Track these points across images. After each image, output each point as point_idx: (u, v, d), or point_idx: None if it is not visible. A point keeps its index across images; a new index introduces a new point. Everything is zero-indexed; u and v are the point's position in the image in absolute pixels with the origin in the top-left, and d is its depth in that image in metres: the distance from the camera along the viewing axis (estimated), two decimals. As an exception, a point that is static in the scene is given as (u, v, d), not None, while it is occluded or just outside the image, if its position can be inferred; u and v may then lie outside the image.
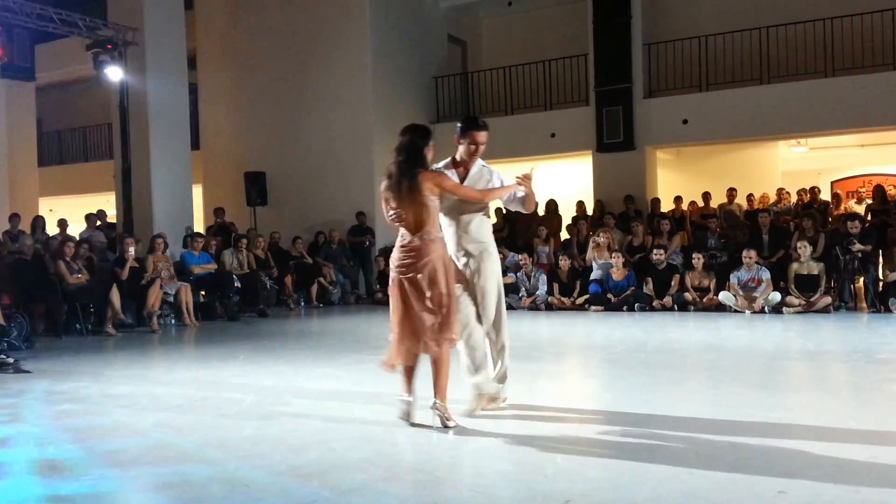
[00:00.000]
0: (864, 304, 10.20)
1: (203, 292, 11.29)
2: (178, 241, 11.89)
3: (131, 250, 10.07)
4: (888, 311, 9.71)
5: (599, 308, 10.72)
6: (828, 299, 9.87)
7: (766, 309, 9.91)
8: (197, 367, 6.75)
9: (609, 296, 10.80)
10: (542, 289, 11.29)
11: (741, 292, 10.09)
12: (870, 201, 13.34)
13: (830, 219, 12.51)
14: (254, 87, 15.42)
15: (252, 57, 15.44)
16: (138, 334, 9.53)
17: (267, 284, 12.18)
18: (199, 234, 12.02)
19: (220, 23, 15.83)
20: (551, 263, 12.10)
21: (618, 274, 10.92)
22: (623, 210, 13.46)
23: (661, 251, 10.91)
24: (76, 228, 12.68)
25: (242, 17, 15.56)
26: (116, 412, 4.89)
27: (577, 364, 7.00)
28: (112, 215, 13.95)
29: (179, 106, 12.98)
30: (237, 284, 11.26)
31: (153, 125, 12.45)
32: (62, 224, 12.25)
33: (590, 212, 13.96)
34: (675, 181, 15.44)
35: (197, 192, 14.73)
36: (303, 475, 3.41)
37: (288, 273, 12.58)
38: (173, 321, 10.52)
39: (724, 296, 10.20)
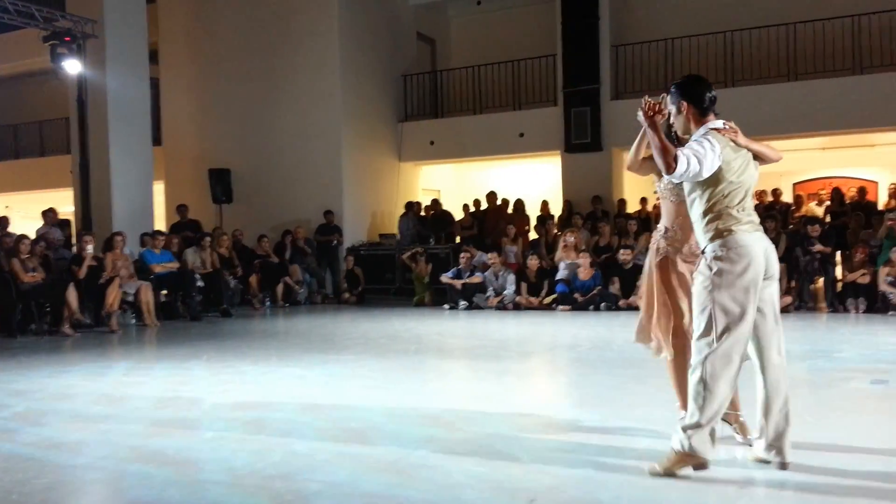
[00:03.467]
0: (824, 304, 10.41)
1: (164, 291, 11.07)
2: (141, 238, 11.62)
3: (89, 248, 9.84)
4: (846, 310, 9.92)
5: (566, 308, 10.75)
6: (788, 299, 10.02)
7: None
8: (158, 368, 6.62)
9: (576, 295, 10.84)
10: (511, 288, 11.29)
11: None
12: (829, 203, 13.61)
13: (791, 220, 12.72)
14: (218, 82, 15.18)
15: (216, 51, 15.19)
16: (97, 335, 9.31)
17: (231, 284, 12.01)
18: (160, 232, 11.79)
19: (183, 15, 15.56)
20: (519, 263, 12.12)
21: (585, 274, 10.97)
22: (591, 210, 13.54)
23: (628, 251, 11.00)
24: (27, 226, 12.33)
25: (206, 10, 15.31)
26: (72, 415, 4.76)
27: (544, 363, 7.00)
28: (69, 212, 13.64)
29: (140, 100, 12.71)
30: (200, 283, 11.07)
31: (112, 120, 12.17)
32: (2, 221, 11.71)
33: (555, 211, 14.02)
34: (641, 182, 15.51)
35: (159, 188, 14.48)
36: (265, 477, 3.34)
37: (253, 272, 12.41)
38: (133, 321, 10.31)
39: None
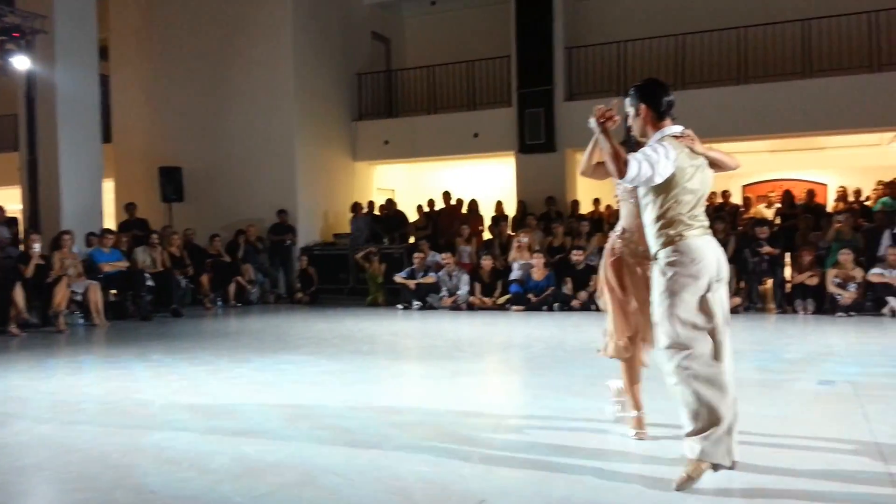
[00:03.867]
0: (772, 305, 10.58)
1: (114, 291, 10.88)
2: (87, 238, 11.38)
3: (36, 247, 9.61)
4: (795, 311, 10.08)
5: (520, 308, 10.82)
6: (737, 300, 10.21)
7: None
8: (105, 369, 6.49)
9: (529, 296, 10.92)
10: (464, 289, 11.33)
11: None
12: (779, 205, 13.91)
13: (740, 222, 12.96)
14: (170, 79, 14.93)
15: (168, 48, 14.94)
16: (44, 334, 9.08)
17: (182, 283, 11.84)
18: (109, 231, 11.57)
19: (135, 11, 15.28)
20: (473, 263, 12.16)
21: (538, 274, 11.05)
22: (544, 211, 13.64)
23: (580, 252, 11.12)
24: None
25: (158, 6, 15.05)
26: (18, 416, 4.65)
27: (497, 363, 7.04)
28: (18, 210, 13.28)
29: (90, 97, 12.43)
30: (150, 283, 10.88)
31: (62, 117, 11.89)
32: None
33: (509, 212, 14.10)
34: (595, 183, 15.59)
35: (108, 187, 14.19)
36: (213, 480, 3.30)
37: (205, 272, 12.25)
38: (82, 321, 10.10)
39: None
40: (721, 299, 3.33)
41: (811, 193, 13.79)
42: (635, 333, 3.87)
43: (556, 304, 10.73)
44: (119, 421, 4.47)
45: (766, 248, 10.58)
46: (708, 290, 3.24)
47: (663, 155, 3.23)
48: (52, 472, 3.51)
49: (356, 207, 14.34)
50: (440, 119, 15.17)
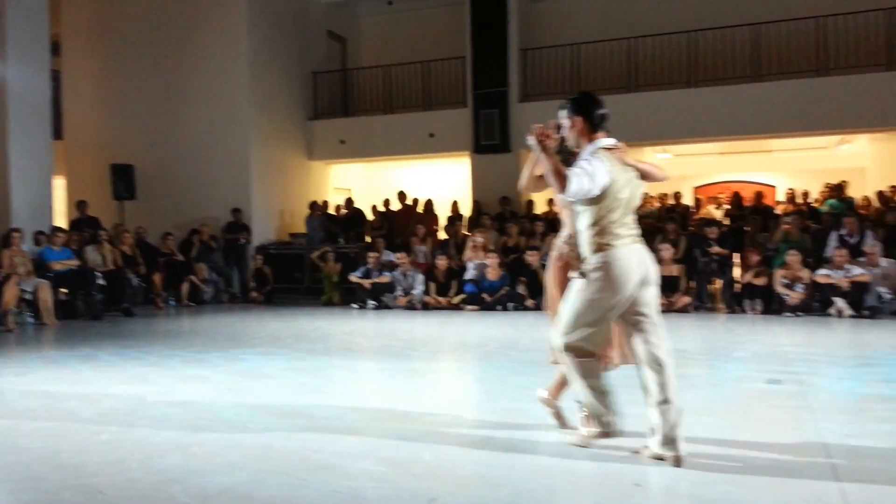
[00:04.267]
0: (722, 305, 10.74)
1: (64, 290, 10.67)
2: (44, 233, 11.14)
3: (-16, 245, 9.40)
4: (743, 311, 10.25)
5: (475, 307, 10.90)
6: (687, 299, 10.40)
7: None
8: (54, 369, 6.38)
9: (484, 295, 11.00)
10: (419, 288, 11.38)
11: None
12: (728, 207, 14.22)
13: (691, 222, 13.21)
14: (122, 75, 14.69)
15: (121, 44, 14.69)
16: (-10, 334, 8.91)
17: (134, 282, 11.67)
18: (59, 229, 11.35)
19: (87, 6, 14.99)
20: (428, 263, 12.21)
21: (493, 274, 11.14)
22: (499, 211, 13.74)
23: (535, 252, 11.23)
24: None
25: (111, 2, 14.80)
26: (-41, 419, 4.56)
27: (451, 362, 7.09)
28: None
29: (40, 93, 12.15)
30: (101, 282, 10.71)
31: (11, 113, 11.61)
32: None
33: (464, 212, 14.17)
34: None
35: (59, 184, 13.90)
36: (162, 481, 3.29)
37: (157, 270, 12.09)
38: (31, 320, 9.89)
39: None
40: (651, 300, 3.58)
41: (759, 195, 14.10)
42: None
43: (510, 304, 10.84)
44: (66, 421, 4.41)
45: (716, 249, 10.79)
46: (621, 297, 3.49)
47: (599, 167, 3.42)
48: (-3, 474, 3.47)
49: (314, 206, 14.29)
50: (396, 119, 15.18)
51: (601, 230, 3.51)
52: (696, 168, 17.80)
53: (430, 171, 16.32)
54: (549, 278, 4.09)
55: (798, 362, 6.36)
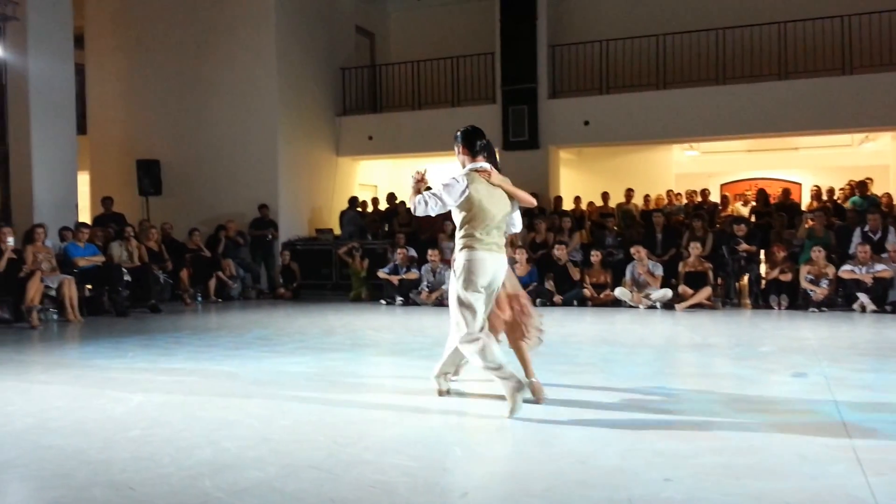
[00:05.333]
0: (748, 301, 10.78)
1: (89, 286, 10.70)
2: (69, 229, 11.19)
3: (9, 240, 9.42)
4: (769, 307, 10.29)
5: (501, 304, 10.81)
6: (709, 290, 10.33)
7: (657, 305, 10.30)
8: (80, 366, 6.39)
9: (511, 292, 10.92)
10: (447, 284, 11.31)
11: (635, 288, 10.49)
12: (754, 203, 14.08)
13: (718, 220, 13.10)
14: (148, 69, 14.73)
15: (146, 38, 14.72)
16: (16, 330, 8.91)
17: (160, 278, 11.70)
18: (84, 225, 11.39)
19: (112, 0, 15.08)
20: (455, 259, 12.13)
21: (521, 269, 11.05)
22: (527, 207, 13.63)
23: (563, 247, 11.16)
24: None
25: (136, -6, 14.87)
26: (-11, 412, 4.56)
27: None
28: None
29: (64, 87, 12.19)
30: (127, 278, 10.73)
31: (35, 107, 11.65)
32: None
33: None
34: (576, 180, 15.81)
35: (83, 180, 13.98)
36: (193, 475, 3.25)
37: (184, 266, 12.11)
38: (56, 316, 9.93)
39: (619, 291, 10.58)
40: (487, 301, 4.53)
41: (786, 192, 13.99)
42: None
43: (538, 300, 10.75)
44: (95, 417, 4.40)
45: (744, 246, 10.74)
46: (482, 289, 4.41)
47: (453, 185, 4.43)
48: (26, 470, 3.44)
49: (354, 202, 14.37)
50: (424, 115, 15.14)
51: (467, 234, 4.44)
52: (723, 165, 17.66)
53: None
54: (508, 280, 4.91)
55: (823, 356, 6.38)
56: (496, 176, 4.56)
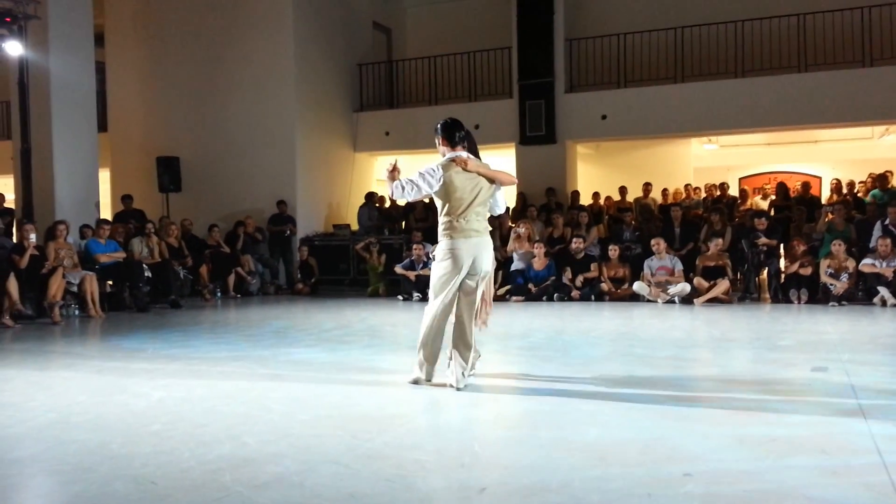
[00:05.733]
0: (768, 295, 10.69)
1: (110, 282, 10.82)
2: (90, 226, 11.31)
3: (32, 237, 9.54)
4: (789, 301, 10.20)
5: (520, 298, 10.82)
6: (727, 284, 10.27)
7: (676, 300, 10.26)
8: (101, 361, 6.45)
9: (530, 285, 10.93)
10: (464, 280, 11.31)
11: (653, 282, 10.45)
12: (774, 197, 13.96)
13: (737, 213, 13.01)
14: (167, 67, 14.85)
15: (166, 35, 14.84)
16: (39, 326, 9.04)
17: (180, 274, 11.79)
18: (105, 221, 11.51)
19: (132, -3, 15.18)
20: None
21: (539, 263, 11.07)
22: (545, 202, 13.63)
23: (581, 239, 11.15)
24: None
25: (155, -7, 14.96)
26: (12, 407, 4.62)
27: (496, 353, 7.00)
28: (11, 200, 13.21)
29: (85, 85, 12.31)
30: (147, 274, 10.84)
31: (56, 105, 11.78)
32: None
33: (509, 203, 14.05)
34: (594, 174, 15.75)
35: (104, 177, 14.11)
36: (213, 470, 3.28)
37: (203, 262, 12.20)
38: (77, 312, 10.06)
39: (637, 286, 10.53)
40: (474, 287, 4.90)
41: (806, 186, 13.86)
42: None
43: (555, 295, 10.75)
44: (116, 412, 4.44)
45: (764, 240, 10.67)
46: (456, 275, 4.78)
47: (428, 174, 4.73)
48: (48, 464, 3.48)
49: (371, 197, 14.39)
50: (441, 110, 15.05)
51: (448, 221, 4.76)
52: (742, 159, 17.53)
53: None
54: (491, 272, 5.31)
55: (843, 350, 6.33)
56: (473, 163, 4.81)
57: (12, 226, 11.50)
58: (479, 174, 4.81)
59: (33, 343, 7.66)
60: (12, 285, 8.95)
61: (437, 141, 4.93)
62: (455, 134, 4.85)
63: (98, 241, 10.79)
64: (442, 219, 4.81)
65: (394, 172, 4.76)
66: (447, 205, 4.77)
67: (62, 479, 3.27)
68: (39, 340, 7.87)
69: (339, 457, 3.45)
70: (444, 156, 4.87)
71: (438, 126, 4.91)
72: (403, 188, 4.72)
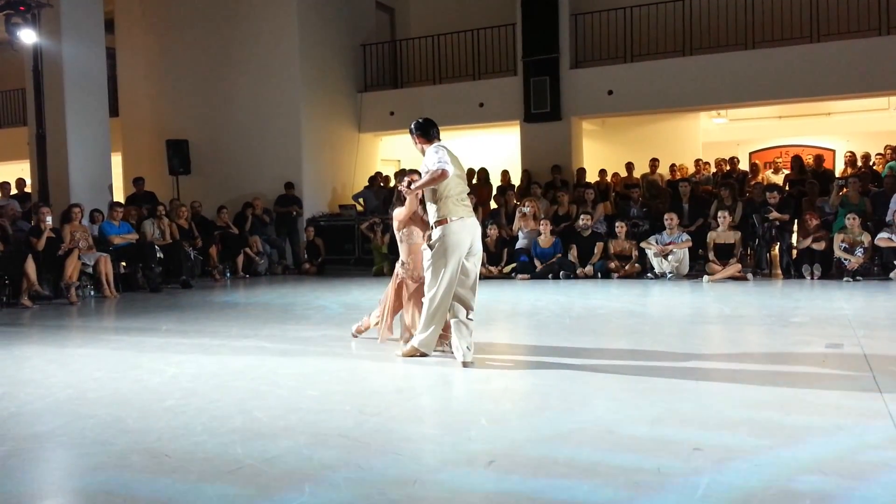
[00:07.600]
0: (779, 271, 10.53)
1: (124, 263, 10.96)
2: (101, 210, 11.43)
3: (48, 220, 9.68)
4: (801, 277, 10.02)
5: (526, 276, 10.86)
6: (738, 264, 10.20)
7: (672, 273, 10.20)
8: (117, 339, 6.58)
9: (535, 262, 10.96)
10: (471, 258, 11.35)
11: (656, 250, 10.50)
12: (786, 171, 13.79)
13: (748, 188, 12.87)
14: (175, 52, 14.90)
15: (173, 21, 14.89)
16: (56, 306, 9.21)
17: (191, 255, 11.90)
18: (118, 204, 11.64)
19: (139, -16, 15.20)
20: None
21: (545, 241, 11.09)
22: (550, 180, 13.60)
23: (588, 216, 11.14)
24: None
25: (162, -21, 14.98)
26: (32, 384, 4.73)
27: (504, 330, 7.08)
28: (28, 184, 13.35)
29: (96, 71, 12.40)
30: (159, 255, 10.97)
31: (69, 90, 11.89)
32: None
33: (515, 181, 14.06)
34: (600, 151, 15.68)
35: (115, 160, 14.20)
36: (226, 443, 3.37)
37: (213, 243, 12.32)
38: (92, 293, 10.21)
39: (644, 244, 10.59)
40: (473, 267, 5.04)
41: (819, 159, 13.64)
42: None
43: (561, 273, 10.78)
44: (132, 388, 4.55)
45: (775, 214, 10.49)
46: (456, 257, 4.90)
47: (443, 153, 4.89)
48: (66, 438, 3.58)
49: (375, 179, 14.44)
50: (445, 89, 15.08)
51: (445, 203, 4.90)
52: (753, 133, 17.34)
53: (480, 141, 16.21)
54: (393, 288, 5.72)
55: (858, 326, 6.21)
56: (415, 181, 5.17)
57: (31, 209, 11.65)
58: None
59: (51, 322, 7.80)
60: (30, 267, 9.12)
61: (413, 140, 5.21)
62: (430, 130, 5.15)
63: (112, 224, 10.94)
64: (438, 199, 4.93)
65: (411, 184, 5.12)
66: (447, 186, 4.90)
67: (81, 451, 3.37)
68: (57, 320, 8.02)
69: (348, 431, 3.53)
70: (423, 153, 5.10)
71: (413, 127, 5.21)
72: (438, 161, 4.83)
